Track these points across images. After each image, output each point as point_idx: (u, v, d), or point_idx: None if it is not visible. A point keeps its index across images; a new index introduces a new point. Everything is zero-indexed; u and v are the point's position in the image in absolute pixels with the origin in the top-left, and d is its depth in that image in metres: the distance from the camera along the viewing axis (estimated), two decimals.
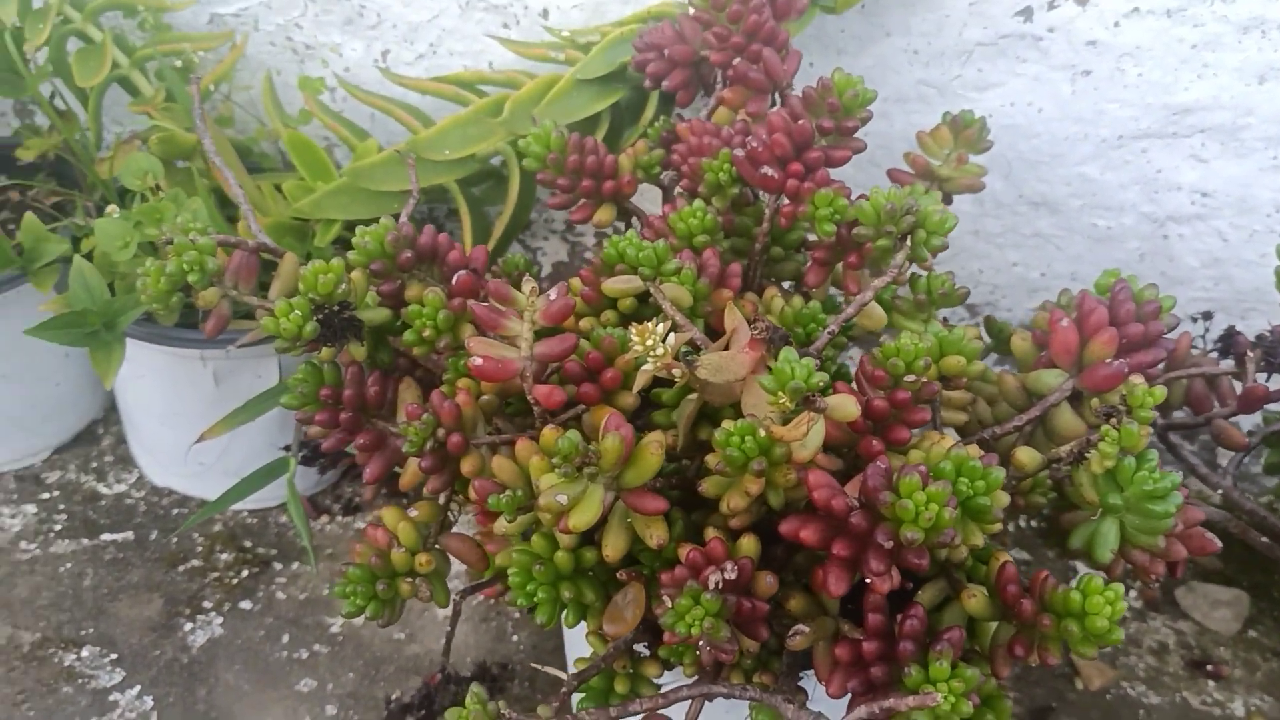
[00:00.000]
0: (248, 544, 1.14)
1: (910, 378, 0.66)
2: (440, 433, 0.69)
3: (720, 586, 0.61)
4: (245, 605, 1.08)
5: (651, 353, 0.65)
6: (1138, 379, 0.65)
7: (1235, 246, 1.07)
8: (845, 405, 0.64)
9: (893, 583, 0.61)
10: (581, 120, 1.02)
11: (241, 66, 1.17)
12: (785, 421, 0.62)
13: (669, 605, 0.61)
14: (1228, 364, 0.86)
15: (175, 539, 1.14)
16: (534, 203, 1.19)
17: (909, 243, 0.70)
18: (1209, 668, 1.10)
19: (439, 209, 1.23)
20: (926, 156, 0.96)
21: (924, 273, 0.82)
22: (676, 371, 0.67)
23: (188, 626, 1.06)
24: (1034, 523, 1.24)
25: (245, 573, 1.11)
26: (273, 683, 1.02)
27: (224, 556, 1.13)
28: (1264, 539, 0.82)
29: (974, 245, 1.14)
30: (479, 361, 0.66)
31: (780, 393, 0.58)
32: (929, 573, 0.70)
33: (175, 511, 1.17)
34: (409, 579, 0.72)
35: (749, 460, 0.62)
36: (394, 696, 0.92)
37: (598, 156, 0.85)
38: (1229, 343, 0.88)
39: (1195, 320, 1.01)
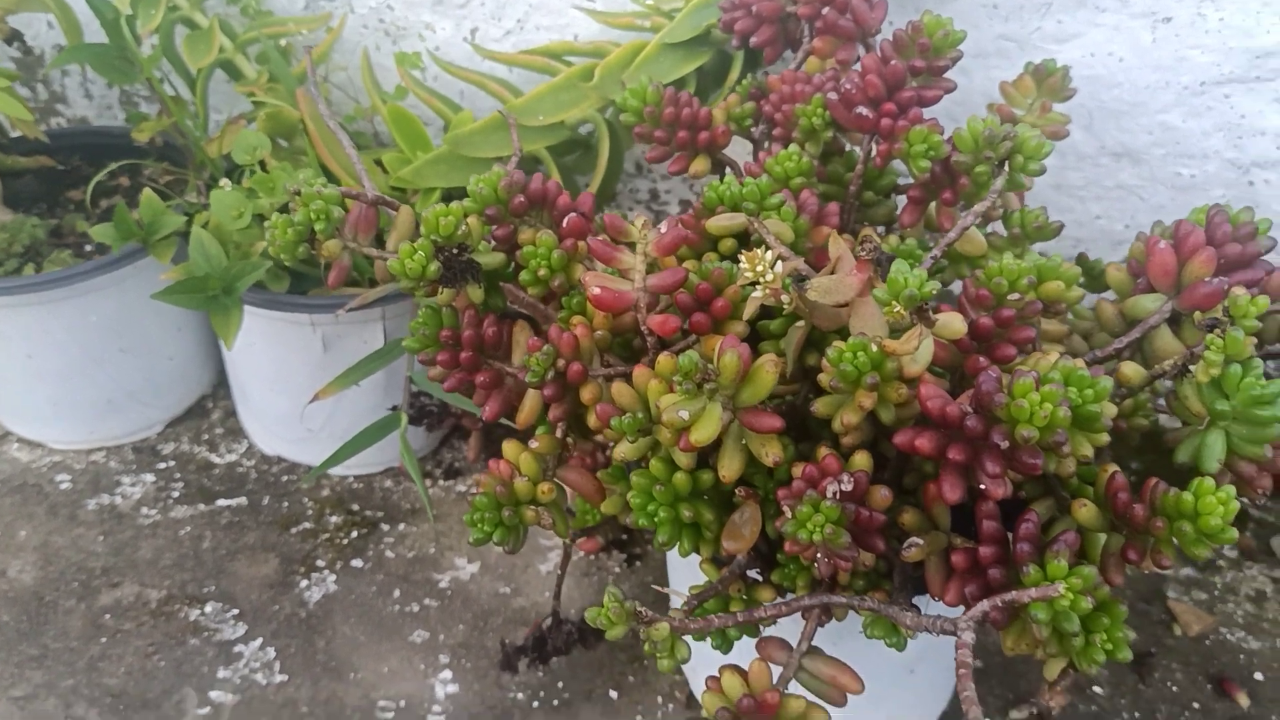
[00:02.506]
0: (355, 507, 1.19)
1: (1014, 296, 0.68)
2: (560, 363, 0.72)
3: (838, 496, 0.64)
4: (356, 564, 1.13)
5: (762, 279, 0.68)
6: (1240, 290, 0.66)
7: None
8: (952, 322, 0.67)
9: (1006, 490, 0.63)
10: (668, 84, 1.05)
11: (336, 49, 1.22)
12: (896, 338, 0.65)
13: (789, 515, 0.64)
14: None
15: (286, 504, 1.19)
16: (621, 172, 1.22)
17: (1006, 169, 0.72)
18: None
19: None
20: (1011, 106, 0.98)
21: (1017, 208, 0.84)
22: (785, 298, 0.69)
23: (303, 584, 1.10)
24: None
25: (355, 534, 1.16)
26: (387, 635, 1.06)
27: (333, 519, 1.17)
28: None
29: (1056, 199, 1.15)
30: (597, 291, 0.69)
31: (895, 302, 0.61)
32: (1033, 490, 0.73)
33: (285, 478, 1.22)
34: (532, 507, 0.75)
35: (862, 375, 0.64)
36: (507, 640, 0.95)
37: (692, 109, 0.88)
38: None
39: None
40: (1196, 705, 1.01)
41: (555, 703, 1.00)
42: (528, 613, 1.08)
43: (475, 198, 0.78)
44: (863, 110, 0.80)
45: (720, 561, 0.77)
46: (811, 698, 0.73)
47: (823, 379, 0.66)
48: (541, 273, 0.76)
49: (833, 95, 0.82)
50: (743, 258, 0.68)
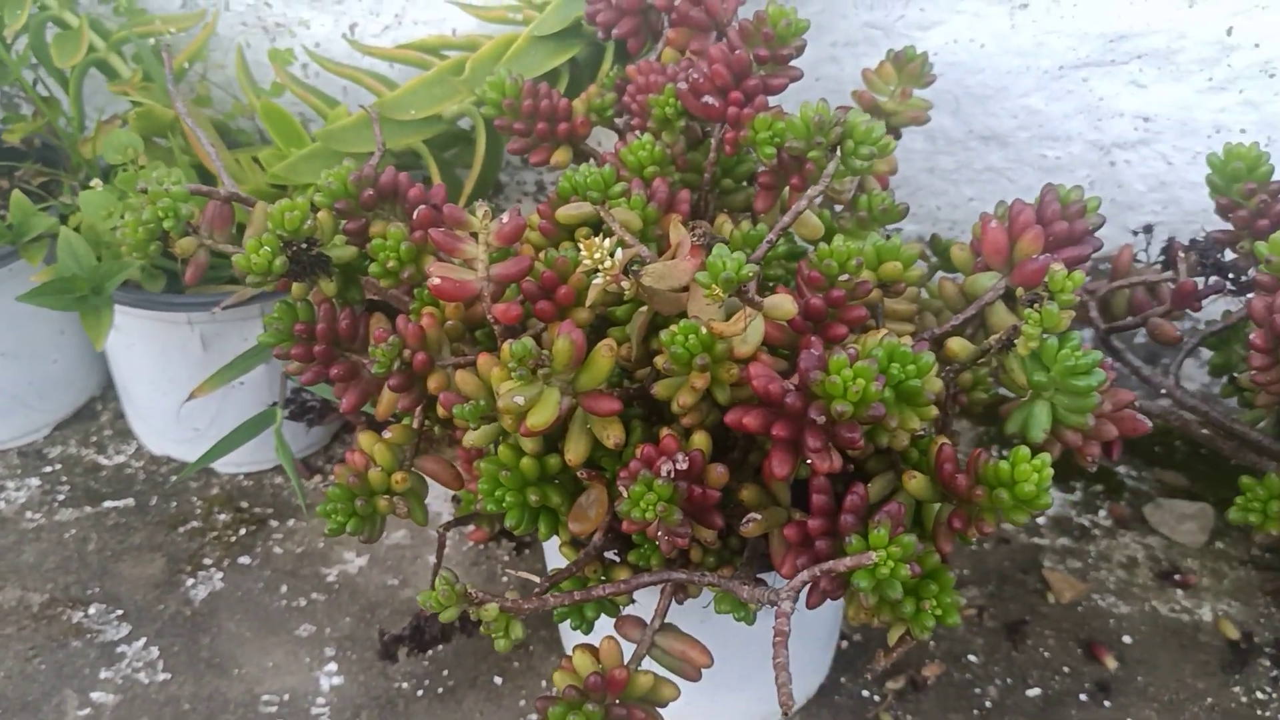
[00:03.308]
0: (244, 504, 1.19)
1: (844, 277, 0.70)
2: (406, 353, 0.73)
3: (672, 475, 0.66)
4: (244, 561, 1.13)
5: (600, 265, 0.69)
6: (1059, 265, 0.69)
7: (1180, 169, 1.11)
8: (783, 304, 0.68)
9: (832, 464, 0.65)
10: (541, 76, 1.06)
11: (215, 47, 1.22)
12: (726, 320, 0.66)
13: (624, 495, 0.65)
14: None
15: (174, 503, 1.18)
16: (501, 163, 1.23)
17: (839, 153, 0.74)
18: (1177, 577, 1.13)
19: (416, 177, 1.27)
20: (873, 93, 1.00)
21: (876, 191, 0.87)
22: (625, 283, 0.71)
23: (189, 582, 1.10)
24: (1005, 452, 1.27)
25: (243, 531, 1.16)
26: (273, 630, 1.06)
27: (222, 517, 1.17)
28: (1204, 431, 0.86)
29: (930, 182, 1.18)
30: (437, 281, 0.70)
31: (714, 285, 0.62)
32: (877, 466, 0.75)
33: (174, 478, 1.21)
34: (386, 497, 0.76)
35: (692, 357, 0.66)
36: (386, 630, 0.96)
37: (551, 101, 0.90)
38: (1169, 252, 0.92)
39: (1135, 234, 1.04)
40: (1066, 669, 1.04)
41: (440, 690, 1.01)
42: (414, 604, 1.08)
43: (325, 192, 0.79)
44: (709, 99, 0.82)
45: (579, 544, 0.79)
46: (666, 674, 0.75)
47: (658, 362, 0.68)
48: (391, 265, 0.77)
49: (683, 85, 0.84)
50: (581, 246, 0.70)
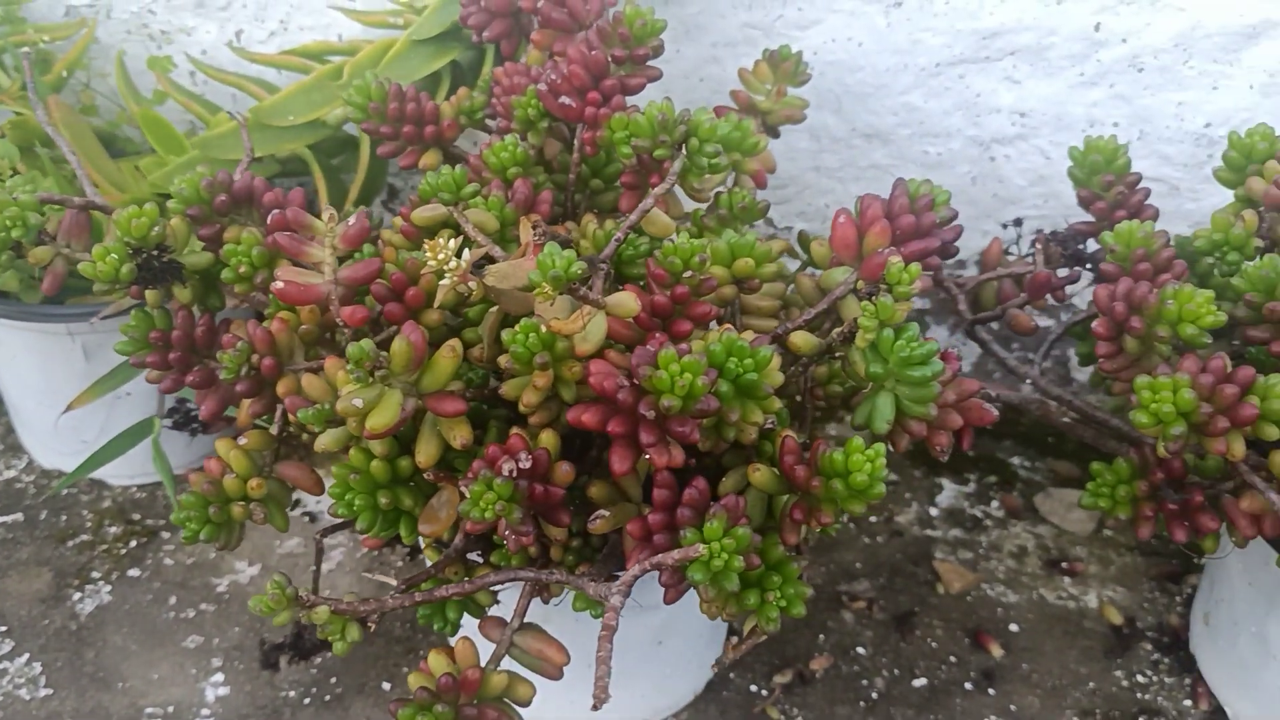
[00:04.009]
0: (136, 517, 1.18)
1: (688, 274, 0.71)
2: (255, 358, 0.73)
3: (514, 474, 0.66)
4: (133, 573, 1.12)
5: (445, 267, 0.70)
6: (896, 259, 0.69)
7: (1057, 163, 1.12)
8: (626, 301, 0.69)
9: (671, 459, 0.65)
10: (422, 79, 1.06)
11: (99, 55, 1.20)
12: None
13: (466, 495, 0.66)
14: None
15: (64, 517, 1.17)
16: (388, 169, 1.23)
17: (685, 152, 0.75)
18: (1064, 565, 1.15)
19: (306, 182, 1.26)
20: (749, 92, 1.01)
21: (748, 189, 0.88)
22: (472, 283, 0.71)
23: (76, 596, 1.09)
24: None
25: (134, 543, 1.15)
26: (160, 642, 1.05)
27: (113, 530, 1.16)
28: (1065, 419, 0.88)
29: (817, 181, 1.19)
30: (281, 285, 0.70)
31: (544, 283, 0.63)
32: (733, 460, 0.76)
33: (64, 492, 1.20)
34: (242, 503, 0.76)
35: (533, 355, 0.66)
36: (266, 639, 0.95)
37: (418, 104, 0.90)
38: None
39: (1005, 227, 1.06)
40: (953, 659, 1.05)
41: (327, 698, 1.00)
42: None
43: (178, 198, 0.78)
44: (566, 100, 0.82)
45: (443, 545, 0.79)
46: (527, 673, 0.75)
47: (502, 361, 0.68)
48: (243, 270, 0.76)
49: (543, 87, 0.84)
50: (426, 247, 0.70)
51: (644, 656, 0.93)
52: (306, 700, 1.00)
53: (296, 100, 1.06)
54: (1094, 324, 0.76)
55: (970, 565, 1.15)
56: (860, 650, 1.06)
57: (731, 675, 1.03)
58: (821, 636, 1.07)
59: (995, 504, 1.22)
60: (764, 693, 1.02)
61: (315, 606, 0.66)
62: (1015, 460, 1.27)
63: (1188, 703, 1.01)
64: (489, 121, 0.95)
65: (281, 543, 1.15)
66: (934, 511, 1.21)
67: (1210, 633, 1.02)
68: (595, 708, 0.58)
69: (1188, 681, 1.03)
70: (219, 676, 1.02)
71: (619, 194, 0.92)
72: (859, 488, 0.65)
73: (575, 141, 0.85)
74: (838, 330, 0.72)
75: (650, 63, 0.86)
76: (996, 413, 0.75)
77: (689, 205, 0.89)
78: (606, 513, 0.70)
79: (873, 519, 1.20)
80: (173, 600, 1.09)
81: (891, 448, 0.74)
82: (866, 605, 1.11)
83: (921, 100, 1.12)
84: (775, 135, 1.02)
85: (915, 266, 0.69)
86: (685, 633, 0.94)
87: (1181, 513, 0.77)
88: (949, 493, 1.24)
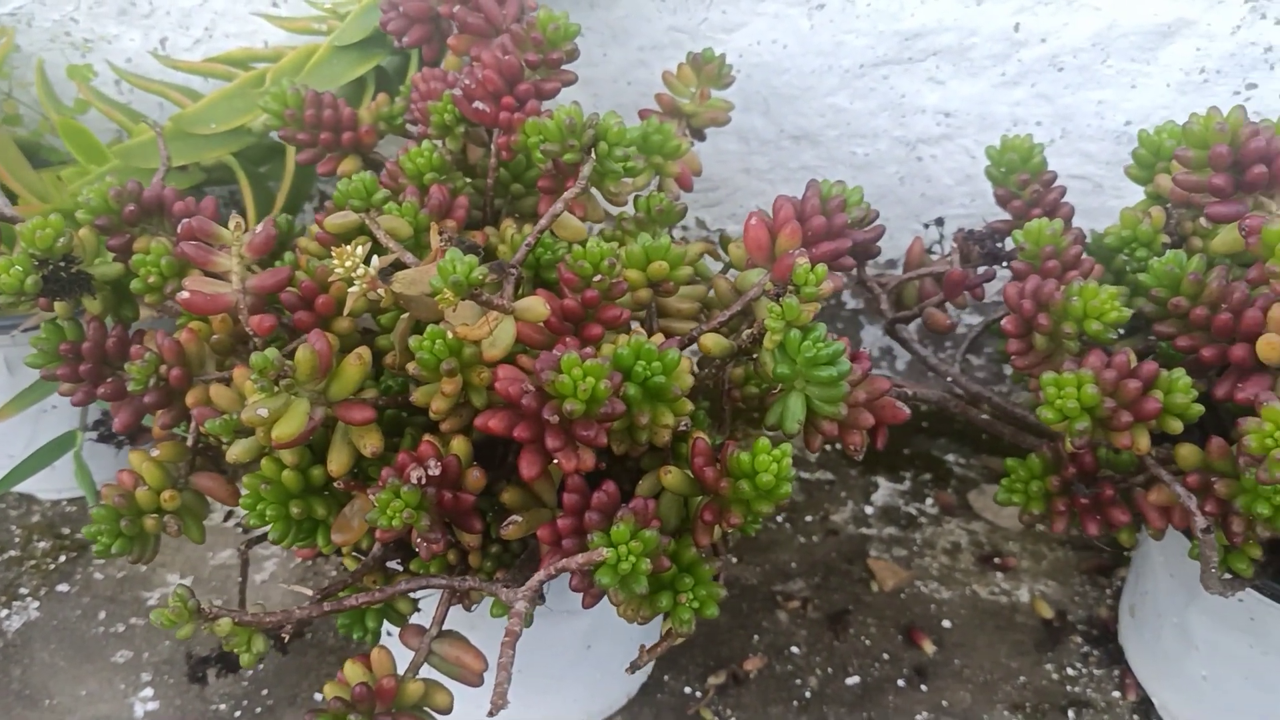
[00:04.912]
0: (65, 531, 1.16)
1: (598, 278, 0.71)
2: (163, 369, 0.72)
3: (423, 481, 0.66)
4: (62, 588, 1.10)
5: (352, 274, 0.69)
6: (803, 260, 0.70)
7: (983, 162, 1.12)
8: (534, 306, 0.69)
9: (579, 463, 0.65)
10: (346, 85, 1.05)
11: (21, 64, 1.19)
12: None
13: (373, 503, 0.65)
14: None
15: None
16: (316, 176, 1.22)
17: (594, 156, 0.75)
18: (997, 561, 1.16)
19: (236, 190, 1.25)
20: (673, 95, 1.01)
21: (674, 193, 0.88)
22: (381, 290, 0.71)
23: (3, 614, 1.08)
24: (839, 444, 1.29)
25: (63, 558, 1.13)
26: (89, 657, 1.04)
27: (41, 545, 1.15)
28: (984, 416, 0.89)
29: (748, 183, 1.20)
30: (186, 295, 0.70)
31: (445, 289, 0.63)
32: (651, 463, 0.76)
33: None
34: (155, 516, 0.75)
35: (439, 361, 0.66)
36: (194, 652, 0.94)
37: (335, 110, 0.89)
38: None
39: (927, 227, 1.07)
40: (886, 656, 1.06)
41: (259, 710, 0.99)
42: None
43: (85, 208, 0.77)
44: (480, 104, 0.82)
45: (361, 553, 0.78)
46: (451, 681, 0.75)
47: (410, 367, 0.68)
48: (152, 280, 0.76)
49: (457, 91, 0.84)
50: (333, 254, 0.70)
51: (573, 660, 0.93)
52: (237, 713, 0.99)
53: (219, 108, 1.05)
54: (1003, 321, 0.77)
55: (904, 563, 1.16)
56: (794, 650, 1.06)
57: (666, 677, 1.04)
58: (756, 637, 1.08)
59: (930, 501, 1.23)
60: (698, 694, 1.02)
61: (217, 619, 0.65)
62: (950, 457, 1.28)
63: (1116, 694, 1.02)
64: (410, 127, 0.95)
65: (215, 554, 1.14)
66: (869, 510, 1.22)
67: (1136, 624, 1.03)
68: (491, 714, 0.57)
69: (1116, 673, 1.04)
70: (148, 691, 1.01)
71: (539, 198, 0.92)
72: (765, 488, 0.65)
73: (494, 146, 0.85)
74: (747, 332, 0.72)
75: (568, 66, 0.86)
76: (908, 411, 0.75)
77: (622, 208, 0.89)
78: (519, 518, 0.70)
79: (808, 518, 1.21)
80: (102, 615, 1.08)
81: (806, 447, 0.74)
82: (801, 605, 1.11)
83: (848, 101, 1.13)
84: (701, 138, 1.03)
85: (822, 268, 0.69)
86: (615, 636, 0.94)
87: (1093, 507, 0.78)
88: (885, 491, 1.24)
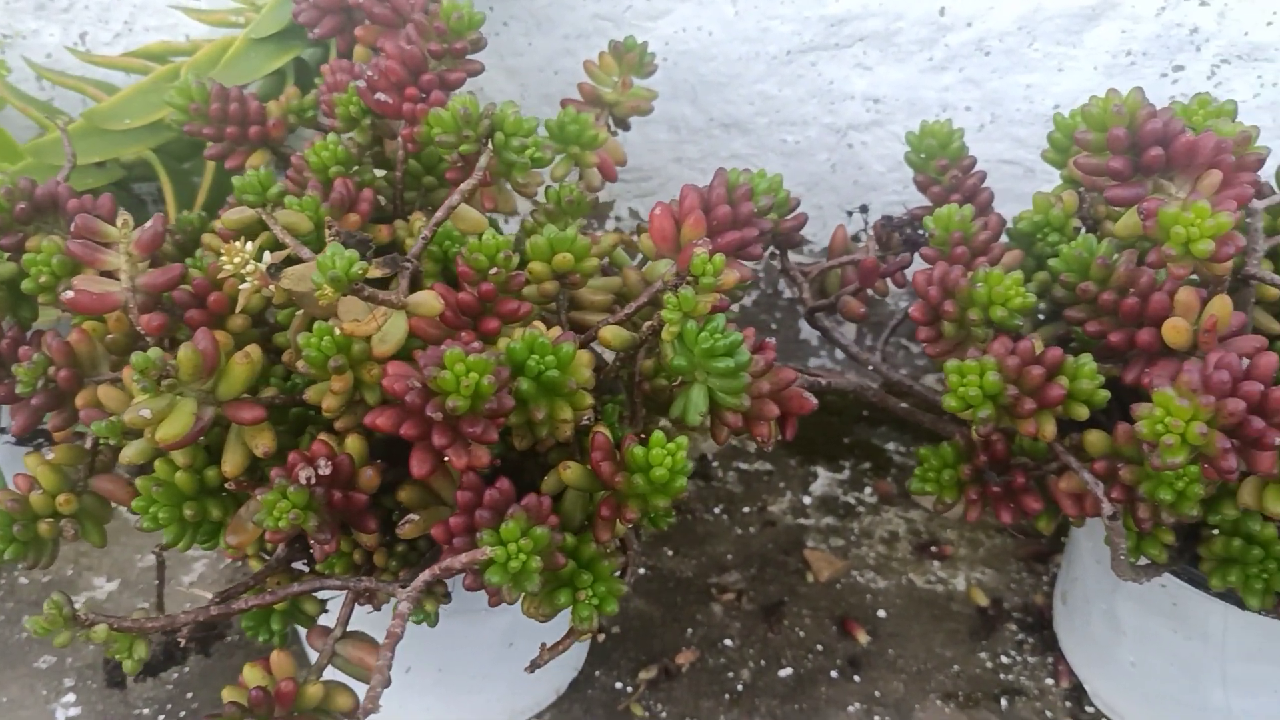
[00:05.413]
0: None
1: (494, 270, 0.69)
2: (53, 370, 0.70)
3: (312, 481, 0.64)
4: None
5: (242, 270, 0.68)
6: (701, 249, 0.69)
7: None
8: (426, 301, 0.68)
9: (471, 460, 0.64)
10: (265, 79, 1.04)
11: None
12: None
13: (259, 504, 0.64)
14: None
15: None
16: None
17: (491, 146, 0.74)
18: (934, 549, 1.16)
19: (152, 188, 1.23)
20: (595, 84, 1.00)
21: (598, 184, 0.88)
22: (273, 287, 0.69)
23: None
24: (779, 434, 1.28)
25: None
26: (11, 664, 1.02)
27: None
28: (903, 405, 0.88)
29: (680, 172, 1.19)
30: (70, 294, 0.68)
31: (324, 285, 0.61)
32: (557, 458, 0.75)
33: None
34: (50, 520, 0.73)
35: (327, 359, 0.65)
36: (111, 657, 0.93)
37: (241, 104, 0.88)
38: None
39: (850, 214, 1.06)
40: (820, 647, 1.05)
41: (182, 713, 0.98)
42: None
43: None
44: (382, 96, 0.81)
45: (267, 554, 0.77)
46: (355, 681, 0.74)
47: (299, 365, 0.67)
48: (44, 279, 0.74)
49: (361, 83, 0.82)
50: (222, 250, 0.68)
51: (496, 658, 0.92)
52: (160, 717, 0.98)
53: (134, 102, 1.03)
54: (910, 309, 0.76)
55: (841, 553, 1.15)
56: (728, 642, 1.06)
57: (597, 673, 1.03)
58: (690, 630, 1.07)
59: (869, 490, 1.23)
60: (629, 689, 1.01)
61: (93, 625, 0.64)
62: (890, 446, 1.28)
63: (1049, 681, 1.02)
64: (323, 120, 0.93)
65: (143, 557, 1.13)
66: (807, 500, 1.21)
67: (1068, 611, 1.02)
68: (360, 716, 0.56)
69: (1050, 660, 1.04)
70: (70, 697, 0.99)
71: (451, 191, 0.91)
72: (659, 481, 0.64)
73: (402, 138, 0.83)
74: (648, 324, 0.71)
75: (476, 56, 0.84)
76: (815, 401, 0.74)
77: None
78: (416, 517, 0.69)
79: (746, 510, 1.20)
80: (26, 620, 1.06)
81: (713, 440, 0.73)
82: (736, 597, 1.10)
83: (776, 89, 1.11)
84: (625, 127, 1.01)
85: (720, 257, 0.68)
86: (538, 634, 0.92)
87: (1005, 495, 0.77)
88: (824, 480, 1.24)
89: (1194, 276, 0.76)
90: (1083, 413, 0.70)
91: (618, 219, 1.23)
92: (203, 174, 1.13)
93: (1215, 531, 0.75)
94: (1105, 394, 0.70)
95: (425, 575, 0.61)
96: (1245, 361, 0.63)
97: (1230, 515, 0.69)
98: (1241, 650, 0.84)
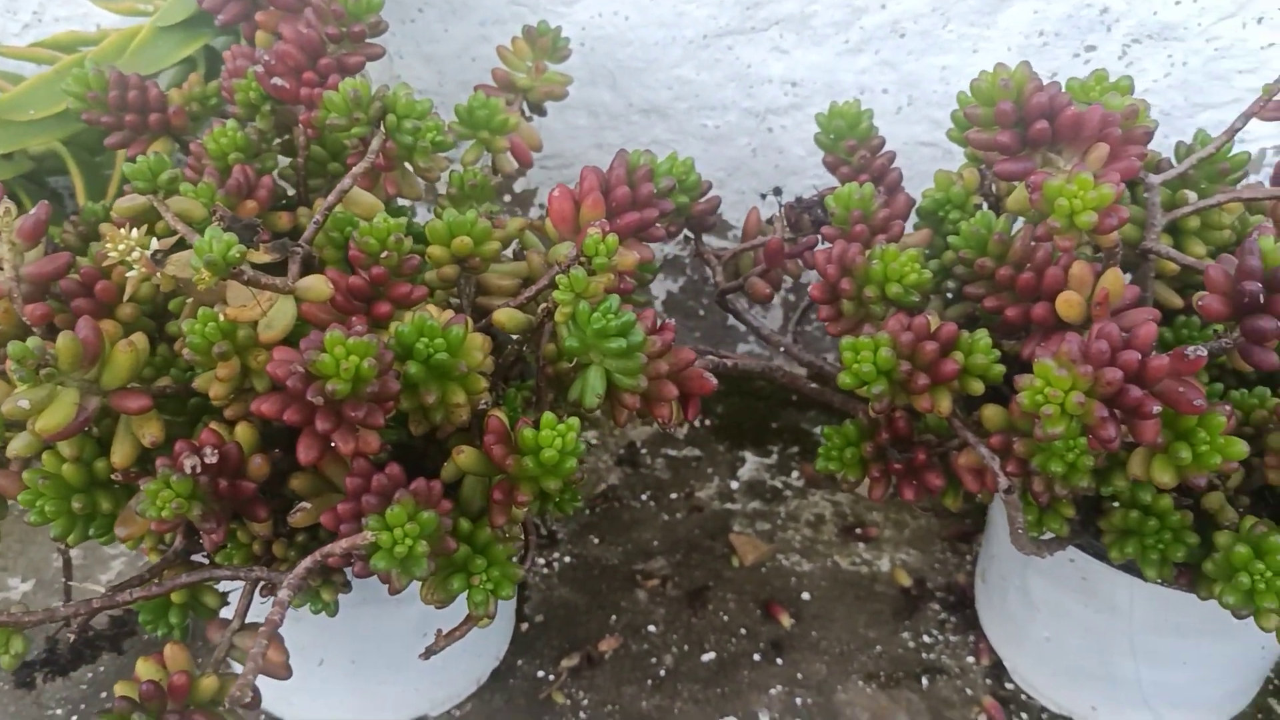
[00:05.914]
0: None
1: (385, 254, 0.69)
2: None
3: (197, 469, 0.63)
4: None
5: (127, 257, 0.67)
6: (595, 231, 0.68)
7: None
8: (315, 285, 0.67)
9: (360, 445, 0.63)
10: (174, 67, 1.02)
11: None
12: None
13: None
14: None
15: None
16: None
17: (383, 129, 0.73)
18: (859, 531, 1.16)
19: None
20: (508, 70, 0.99)
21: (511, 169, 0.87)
22: (159, 275, 0.68)
23: None
24: (709, 421, 1.29)
25: None
26: None
27: None
28: (813, 385, 0.88)
29: (601, 158, 1.18)
30: None
31: (201, 269, 0.60)
32: (457, 443, 0.74)
33: None
34: None
35: (210, 345, 0.64)
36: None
37: (141, 91, 0.86)
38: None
39: (764, 197, 1.06)
40: (743, 630, 1.05)
41: (96, 713, 0.97)
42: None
43: None
44: (279, 81, 0.80)
45: (164, 546, 0.76)
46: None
47: (185, 352, 0.66)
48: None
49: (258, 68, 0.81)
50: (106, 237, 0.67)
51: (410, 649, 0.90)
52: (74, 717, 0.96)
53: (38, 93, 1.01)
54: (810, 287, 0.76)
55: (767, 536, 1.15)
56: (651, 628, 1.05)
57: (519, 662, 1.02)
58: (614, 617, 1.06)
59: (796, 474, 1.23)
60: (551, 677, 1.01)
61: None
62: (818, 430, 1.28)
63: (970, 659, 1.02)
64: (228, 107, 0.92)
65: (57, 555, 1.11)
66: (735, 485, 1.21)
67: (987, 589, 1.03)
68: (231, 707, 0.55)
69: (971, 639, 1.04)
70: None
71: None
72: (549, 463, 0.64)
73: (302, 124, 0.83)
74: (543, 306, 0.71)
75: (372, 40, 0.83)
76: (715, 382, 0.74)
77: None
78: (308, 505, 0.68)
79: (673, 496, 1.20)
80: None
81: (613, 421, 0.73)
82: (660, 583, 1.10)
83: (694, 73, 1.11)
84: (541, 112, 1.01)
85: (613, 238, 0.68)
86: (453, 622, 0.92)
87: (907, 471, 0.77)
88: (751, 465, 1.24)
89: (1094, 251, 0.77)
90: (978, 387, 0.70)
91: (541, 206, 1.22)
92: (114, 165, 1.12)
93: (1115, 504, 0.76)
94: (1001, 369, 0.71)
95: (306, 562, 0.60)
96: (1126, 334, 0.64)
97: (1120, 486, 0.70)
98: (1148, 622, 0.85)
